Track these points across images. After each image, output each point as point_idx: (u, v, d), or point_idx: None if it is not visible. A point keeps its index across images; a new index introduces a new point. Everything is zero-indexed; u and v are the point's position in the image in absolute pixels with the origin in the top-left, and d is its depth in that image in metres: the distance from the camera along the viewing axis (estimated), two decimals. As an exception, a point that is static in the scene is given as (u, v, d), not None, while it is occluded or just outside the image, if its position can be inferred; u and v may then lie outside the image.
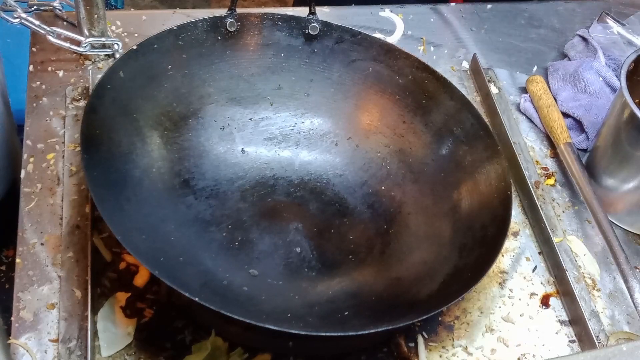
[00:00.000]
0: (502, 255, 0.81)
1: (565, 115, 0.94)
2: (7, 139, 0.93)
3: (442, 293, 0.68)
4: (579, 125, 0.94)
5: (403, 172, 0.82)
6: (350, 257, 0.77)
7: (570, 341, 0.75)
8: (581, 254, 0.82)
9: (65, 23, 0.94)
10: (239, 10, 0.82)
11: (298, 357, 0.69)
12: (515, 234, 0.84)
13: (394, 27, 1.04)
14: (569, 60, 1.02)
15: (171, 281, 0.59)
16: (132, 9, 1.13)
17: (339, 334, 0.62)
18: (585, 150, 0.92)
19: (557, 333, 0.76)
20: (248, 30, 0.83)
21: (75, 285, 0.70)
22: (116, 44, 0.90)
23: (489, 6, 1.11)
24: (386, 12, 1.06)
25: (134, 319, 0.69)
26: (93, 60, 0.91)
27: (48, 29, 0.87)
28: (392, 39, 1.02)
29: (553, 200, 0.87)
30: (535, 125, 0.95)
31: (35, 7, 0.92)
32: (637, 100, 0.81)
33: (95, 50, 0.90)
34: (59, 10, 0.94)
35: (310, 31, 0.84)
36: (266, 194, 0.81)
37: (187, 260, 0.69)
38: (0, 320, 0.51)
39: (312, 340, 0.69)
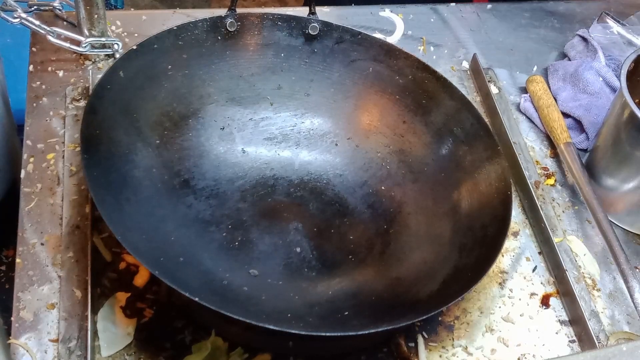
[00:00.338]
0: (502, 255, 0.81)
1: (565, 115, 0.94)
2: (7, 139, 0.93)
3: (442, 293, 0.68)
4: (579, 125, 0.94)
5: (403, 172, 0.82)
6: (350, 257, 0.77)
7: (570, 341, 0.75)
8: (581, 254, 0.82)
9: (65, 23, 0.94)
10: (239, 10, 0.82)
11: (298, 357, 0.69)
12: (515, 234, 0.84)
13: (394, 27, 1.04)
14: (569, 60, 1.02)
15: (171, 281, 0.59)
16: (132, 9, 1.12)
17: (339, 334, 0.62)
18: (585, 150, 0.92)
19: (557, 333, 0.76)
20: (248, 30, 0.83)
21: (75, 285, 0.70)
22: (116, 44, 0.90)
23: (489, 6, 1.11)
24: (386, 12, 1.06)
25: (134, 319, 0.69)
26: (93, 60, 0.91)
27: (48, 29, 0.87)
28: (392, 39, 1.02)
29: (553, 200, 0.87)
30: (535, 125, 0.95)
31: (35, 7, 0.92)
32: (637, 100, 0.81)
33: (95, 50, 0.90)
34: (59, 10, 0.94)
35: (310, 31, 0.84)
36: (266, 194, 0.81)
37: (187, 260, 0.69)
38: (0, 320, 0.51)
39: (312, 340, 0.69)
